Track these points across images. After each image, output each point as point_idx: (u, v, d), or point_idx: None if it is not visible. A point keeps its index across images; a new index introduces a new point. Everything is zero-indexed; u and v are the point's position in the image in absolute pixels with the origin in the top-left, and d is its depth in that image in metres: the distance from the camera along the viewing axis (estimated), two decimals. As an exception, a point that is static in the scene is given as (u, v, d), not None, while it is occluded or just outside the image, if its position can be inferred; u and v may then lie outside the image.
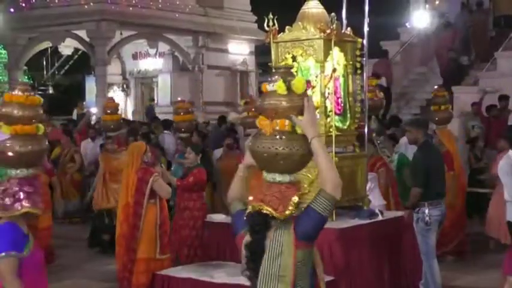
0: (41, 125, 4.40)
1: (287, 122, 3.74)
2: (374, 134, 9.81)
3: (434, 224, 7.59)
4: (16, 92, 4.34)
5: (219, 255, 7.62)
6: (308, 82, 7.81)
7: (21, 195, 4.12)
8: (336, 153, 7.24)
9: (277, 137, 3.72)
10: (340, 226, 7.04)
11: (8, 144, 4.22)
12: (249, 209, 3.79)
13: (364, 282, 7.09)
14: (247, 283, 6.66)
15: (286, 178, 3.76)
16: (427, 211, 7.50)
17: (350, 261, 6.96)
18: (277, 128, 3.73)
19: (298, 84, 3.78)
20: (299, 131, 3.74)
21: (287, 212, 3.67)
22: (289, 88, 3.76)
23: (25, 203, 4.12)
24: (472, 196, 11.20)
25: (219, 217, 8.14)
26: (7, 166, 4.24)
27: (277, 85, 3.76)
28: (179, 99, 12.57)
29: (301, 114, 3.73)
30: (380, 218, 7.57)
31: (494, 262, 9.41)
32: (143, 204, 7.52)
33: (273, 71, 3.98)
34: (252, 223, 3.77)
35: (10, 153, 4.20)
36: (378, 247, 7.35)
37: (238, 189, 4.11)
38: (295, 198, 3.68)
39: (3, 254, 4.06)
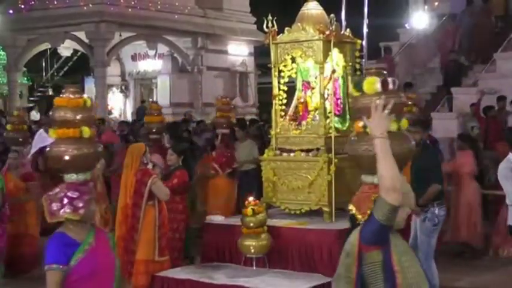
0: (86, 128, 4.23)
1: (361, 123, 3.79)
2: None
3: (440, 224, 7.60)
4: (66, 95, 4.24)
5: (218, 257, 7.62)
6: (307, 83, 7.82)
7: (65, 200, 4.03)
8: (335, 154, 7.24)
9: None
10: (339, 227, 7.03)
11: (54, 149, 4.14)
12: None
13: (364, 284, 7.08)
14: (247, 284, 6.70)
15: (373, 179, 3.87)
16: (436, 211, 7.50)
17: (349, 263, 6.95)
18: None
19: (368, 85, 3.84)
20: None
21: (368, 212, 3.75)
22: (361, 89, 3.86)
23: (66, 209, 4.02)
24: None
25: (218, 218, 8.13)
26: (59, 171, 4.16)
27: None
28: (150, 100, 12.50)
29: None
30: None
31: (494, 264, 9.43)
32: (141, 206, 7.50)
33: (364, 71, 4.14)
34: (350, 223, 3.95)
35: (60, 159, 4.12)
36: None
37: None
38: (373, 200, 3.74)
39: (46, 267, 3.99)
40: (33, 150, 4.31)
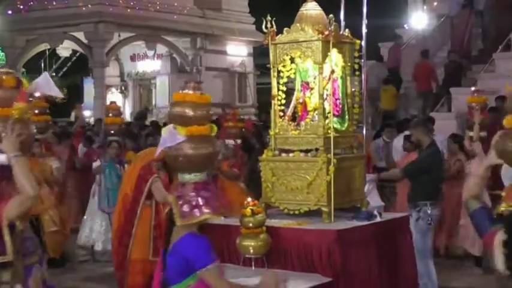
0: (214, 126, 4.11)
1: None
2: None
3: (434, 223, 7.63)
4: (188, 90, 4.06)
5: (217, 257, 7.60)
6: (306, 83, 7.82)
7: (200, 200, 3.86)
8: (334, 154, 7.24)
9: None
10: (338, 227, 7.03)
11: (182, 147, 3.94)
12: (503, 207, 3.79)
13: (362, 284, 7.08)
14: (245, 284, 6.69)
15: None
16: (429, 211, 7.52)
17: (348, 263, 6.95)
18: None
19: None
20: None
21: None
22: None
23: (205, 209, 3.87)
24: None
25: (217, 218, 8.12)
26: (181, 170, 3.99)
27: None
28: (111, 100, 12.41)
29: None
30: (378, 219, 7.55)
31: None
32: (140, 202, 7.54)
33: None
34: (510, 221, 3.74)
35: (185, 157, 3.93)
36: (376, 248, 7.34)
37: (476, 187, 4.05)
38: None
39: (210, 266, 4.01)
40: (159, 149, 4.05)
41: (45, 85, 5.88)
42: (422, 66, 16.45)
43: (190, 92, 4.05)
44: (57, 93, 5.51)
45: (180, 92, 4.10)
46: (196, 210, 3.85)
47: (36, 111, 10.22)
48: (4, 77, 4.29)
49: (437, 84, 16.25)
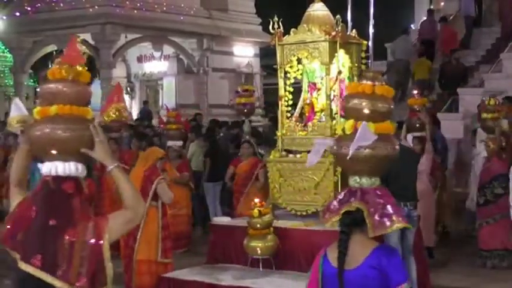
0: (395, 124, 3.66)
1: None
2: (247, 136, 10.23)
3: (414, 224, 7.51)
4: (367, 81, 3.56)
5: (224, 258, 7.62)
6: (313, 84, 7.82)
7: (390, 209, 3.39)
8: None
9: None
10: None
11: (368, 148, 3.45)
12: None
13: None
14: (253, 286, 6.70)
15: None
16: (406, 211, 7.48)
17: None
18: None
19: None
20: None
21: None
22: None
23: (396, 218, 3.38)
24: None
25: (224, 220, 8.13)
26: (355, 173, 3.52)
27: None
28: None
29: None
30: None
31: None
32: (146, 203, 7.55)
33: None
34: None
35: (363, 157, 3.45)
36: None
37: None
38: None
39: (404, 285, 3.39)
40: (352, 149, 3.48)
41: (18, 109, 6.13)
42: (446, 29, 17.41)
43: (374, 83, 3.55)
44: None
45: (365, 82, 3.57)
46: (386, 220, 3.38)
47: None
48: (82, 70, 3.61)
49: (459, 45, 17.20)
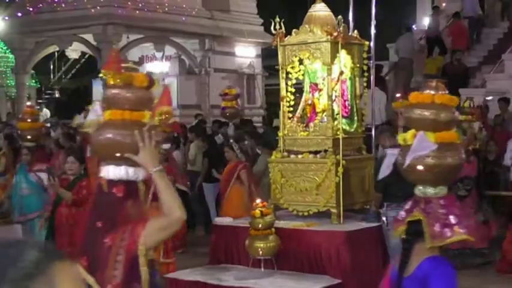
0: (459, 132, 3.61)
1: None
2: (231, 140, 10.16)
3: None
4: (430, 90, 3.49)
5: (226, 258, 7.63)
6: (315, 85, 7.82)
7: (452, 219, 3.33)
8: (343, 156, 7.23)
9: None
10: (347, 229, 7.03)
11: (431, 157, 3.39)
12: None
13: (371, 285, 7.08)
14: (255, 286, 6.71)
15: None
16: (383, 210, 7.49)
17: (357, 264, 6.95)
18: None
19: None
20: None
21: None
22: None
23: (458, 229, 3.31)
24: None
25: (226, 220, 8.14)
26: (419, 183, 3.47)
27: None
28: (28, 104, 11.77)
29: None
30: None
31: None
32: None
33: None
34: None
35: (428, 167, 3.40)
36: (385, 250, 7.34)
37: None
38: None
39: None
40: (409, 158, 3.42)
41: (95, 113, 6.08)
42: (456, 25, 17.51)
43: (434, 92, 3.54)
44: None
45: (427, 92, 3.54)
46: (447, 230, 3.32)
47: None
48: (135, 74, 3.57)
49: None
